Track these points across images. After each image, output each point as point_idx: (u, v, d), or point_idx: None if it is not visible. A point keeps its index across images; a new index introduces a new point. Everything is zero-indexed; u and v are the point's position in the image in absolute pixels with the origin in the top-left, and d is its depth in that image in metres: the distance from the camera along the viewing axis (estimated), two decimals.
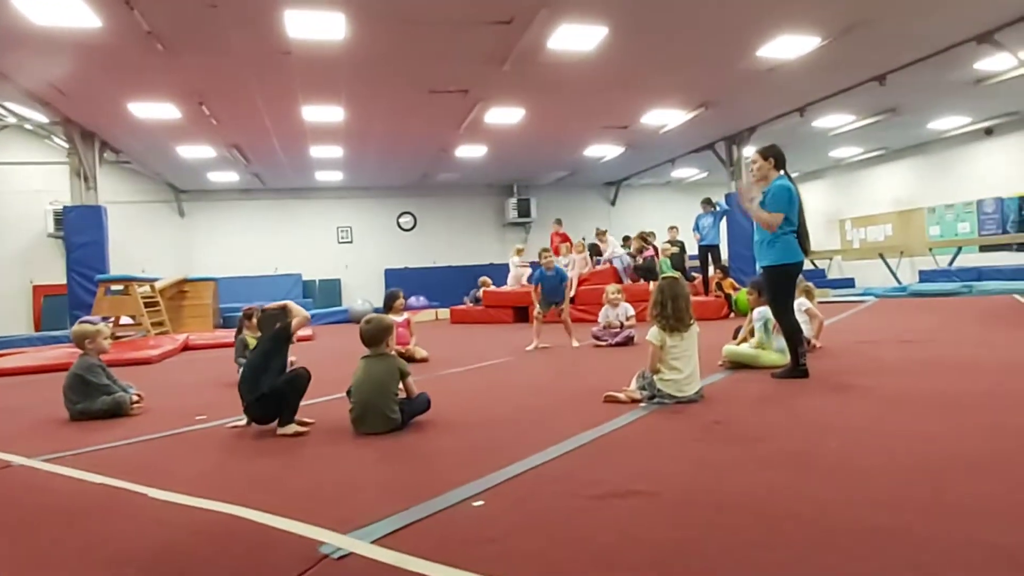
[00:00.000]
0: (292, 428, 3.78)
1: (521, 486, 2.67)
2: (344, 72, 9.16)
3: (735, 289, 11.20)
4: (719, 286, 11.70)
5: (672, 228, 13.13)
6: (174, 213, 17.75)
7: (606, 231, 13.95)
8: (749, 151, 13.28)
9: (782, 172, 4.99)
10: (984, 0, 7.90)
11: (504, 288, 13.43)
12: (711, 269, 12.46)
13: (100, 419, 4.45)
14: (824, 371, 5.03)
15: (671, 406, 4.05)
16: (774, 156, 4.99)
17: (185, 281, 14.12)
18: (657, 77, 10.32)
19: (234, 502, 2.55)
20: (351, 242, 19.18)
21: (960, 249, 15.61)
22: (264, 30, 7.60)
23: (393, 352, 3.98)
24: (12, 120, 12.09)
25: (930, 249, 16.32)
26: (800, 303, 5.76)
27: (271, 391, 3.77)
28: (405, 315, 7.43)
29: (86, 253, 11.36)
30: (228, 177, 16.24)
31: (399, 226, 19.63)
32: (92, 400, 4.51)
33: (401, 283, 15.29)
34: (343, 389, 4.00)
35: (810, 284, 6.80)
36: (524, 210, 19.55)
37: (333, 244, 19.05)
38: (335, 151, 14.10)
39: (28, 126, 13.12)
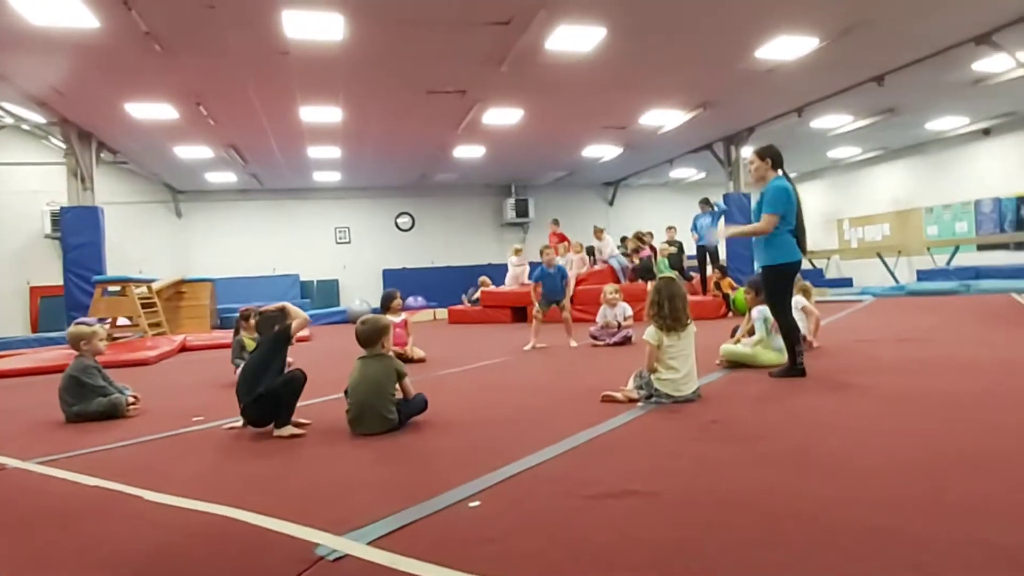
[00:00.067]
0: (288, 430, 3.76)
1: (518, 486, 2.66)
2: (342, 72, 9.15)
3: (733, 288, 11.21)
4: (717, 285, 11.71)
5: (670, 228, 13.14)
6: (171, 214, 17.73)
7: (603, 229, 13.97)
8: (747, 151, 13.28)
9: (780, 172, 4.99)
10: (982, 1, 7.90)
11: (502, 288, 13.43)
12: (709, 269, 12.47)
13: (96, 421, 4.43)
14: (822, 370, 5.03)
15: (668, 405, 4.04)
16: (771, 156, 4.99)
17: (182, 282, 14.10)
18: (656, 78, 10.32)
19: (230, 504, 2.54)
20: (349, 242, 19.17)
21: (958, 248, 15.63)
22: (262, 30, 7.59)
23: (390, 353, 3.97)
24: (9, 120, 12.06)
25: (928, 248, 16.34)
26: (796, 301, 5.76)
27: (267, 392, 3.76)
28: (403, 316, 7.40)
29: (83, 254, 11.33)
30: (226, 177, 16.22)
31: (397, 226, 19.62)
32: (88, 402, 4.49)
33: (399, 283, 15.33)
34: (340, 389, 3.99)
35: (807, 283, 6.80)
36: (522, 210, 19.55)
37: (331, 244, 19.04)
38: (333, 151, 14.09)
39: (25, 126, 13.09)
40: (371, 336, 3.87)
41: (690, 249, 13.09)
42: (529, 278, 8.75)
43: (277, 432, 3.76)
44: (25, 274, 15.28)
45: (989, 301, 10.60)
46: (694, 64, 9.67)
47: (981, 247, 15.35)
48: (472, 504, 2.45)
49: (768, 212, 4.81)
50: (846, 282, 18.21)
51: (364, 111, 11.23)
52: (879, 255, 17.07)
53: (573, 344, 7.69)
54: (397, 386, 3.82)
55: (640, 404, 4.11)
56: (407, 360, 6.64)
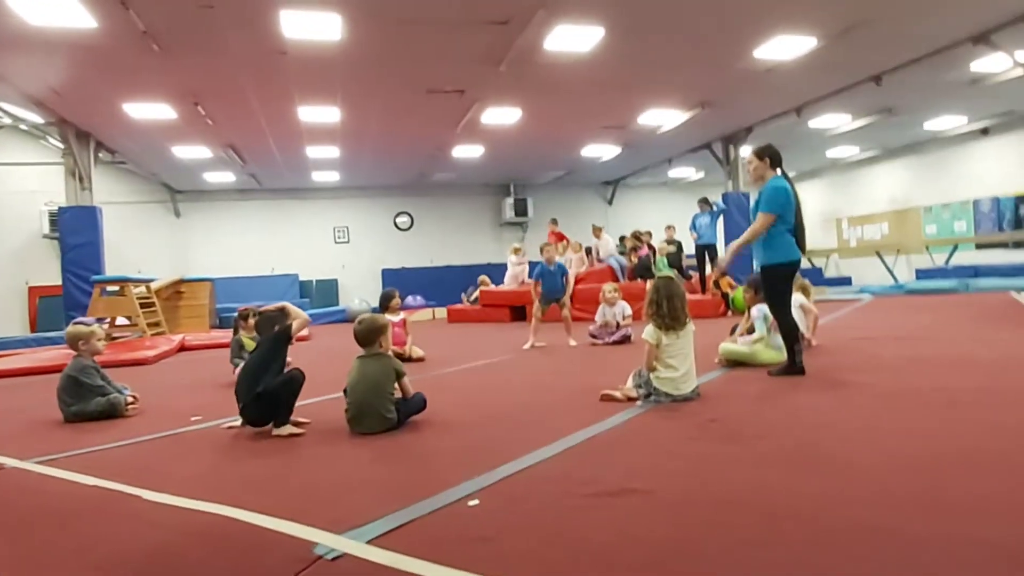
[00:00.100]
0: (287, 429, 3.76)
1: (517, 485, 2.66)
2: (340, 72, 9.15)
3: (732, 287, 11.20)
4: (716, 285, 11.70)
5: (669, 227, 13.14)
6: (170, 213, 17.72)
7: (602, 228, 13.95)
8: (746, 151, 13.29)
9: (778, 171, 5.00)
10: (980, 1, 7.90)
11: (502, 287, 13.42)
12: (708, 268, 12.47)
13: (95, 420, 4.42)
14: (821, 368, 5.03)
15: (667, 404, 4.04)
16: (770, 156, 4.99)
17: (181, 282, 14.08)
18: (654, 77, 10.31)
19: (228, 503, 2.54)
20: (348, 242, 19.16)
21: (956, 247, 15.64)
22: (260, 30, 7.58)
23: (388, 352, 3.96)
24: (7, 120, 12.06)
25: (927, 247, 16.36)
26: (795, 299, 5.76)
27: (266, 392, 3.76)
28: (401, 315, 7.39)
29: (81, 254, 11.33)
30: (224, 177, 16.21)
31: (396, 226, 19.61)
32: (86, 402, 4.48)
33: (398, 283, 15.32)
34: (339, 389, 3.99)
35: (806, 281, 6.80)
36: (521, 209, 19.54)
37: (330, 244, 19.03)
38: (331, 151, 14.08)
39: (23, 126, 13.09)
40: (368, 335, 3.87)
41: (689, 248, 13.09)
42: (529, 277, 8.73)
43: (276, 431, 3.76)
44: (24, 274, 15.27)
45: (987, 300, 10.61)
46: (693, 64, 9.67)
47: (979, 246, 15.36)
48: (471, 503, 2.45)
49: (764, 211, 4.82)
50: (845, 281, 18.23)
51: (362, 111, 11.23)
52: (878, 254, 17.09)
53: (572, 343, 7.69)
54: (396, 385, 3.82)
55: (639, 403, 4.11)
56: (406, 359, 6.64)
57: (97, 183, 11.88)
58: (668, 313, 4.17)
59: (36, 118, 11.34)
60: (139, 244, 16.53)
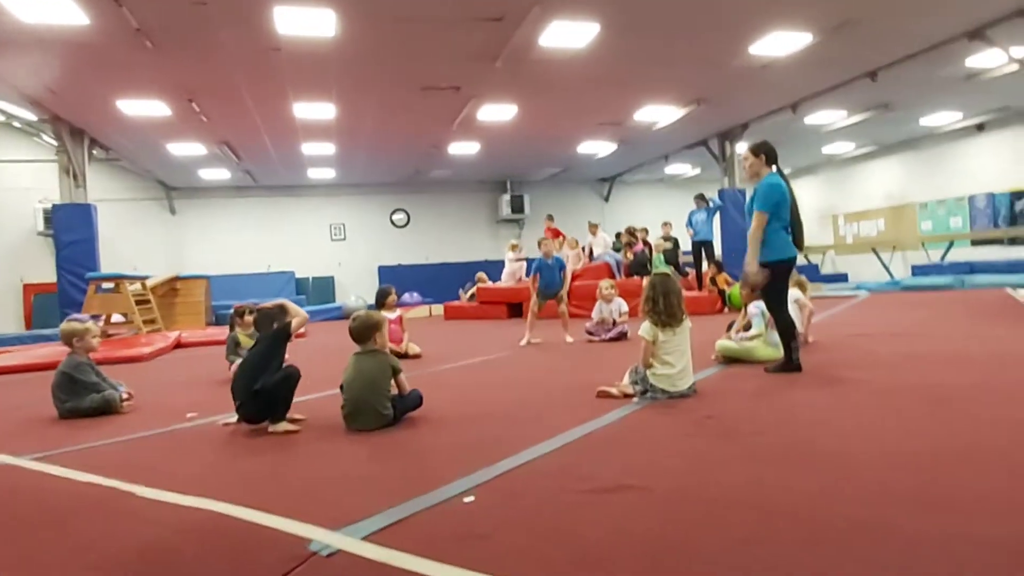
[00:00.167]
0: (284, 426, 3.75)
1: (513, 482, 2.65)
2: (335, 69, 9.12)
3: (728, 284, 11.21)
4: (713, 281, 11.71)
5: (666, 224, 13.14)
6: (165, 211, 17.67)
7: (598, 225, 13.93)
8: (742, 147, 13.29)
9: (774, 168, 4.99)
10: None
11: (498, 284, 13.42)
12: (705, 264, 12.47)
13: (89, 417, 4.41)
14: (817, 365, 5.04)
15: (664, 401, 4.04)
16: (765, 152, 4.98)
17: (177, 279, 14.04)
18: (650, 74, 10.30)
19: (224, 500, 2.53)
20: (344, 239, 19.14)
21: (952, 243, 15.68)
22: (254, 27, 7.55)
23: (385, 348, 3.96)
24: (0, 118, 11.99)
25: (922, 244, 16.39)
26: (791, 294, 5.76)
27: (263, 389, 3.75)
28: (397, 312, 7.38)
29: (76, 251, 11.29)
30: (219, 174, 16.16)
31: (392, 223, 19.59)
32: (81, 398, 4.47)
33: (395, 280, 15.27)
34: (335, 385, 3.98)
35: (803, 277, 6.81)
36: (518, 206, 19.53)
37: (326, 241, 19.01)
38: (327, 148, 14.05)
39: (17, 124, 13.03)
40: (363, 332, 3.87)
41: (685, 245, 13.09)
42: (527, 273, 8.74)
43: (272, 428, 3.75)
44: (18, 271, 15.21)
45: (983, 296, 10.64)
46: (688, 60, 9.66)
47: (975, 242, 15.40)
48: (467, 499, 2.44)
49: (757, 209, 4.82)
50: (841, 277, 18.26)
51: (358, 107, 11.20)
52: (874, 250, 17.12)
53: (569, 339, 7.69)
54: (392, 382, 3.82)
55: (635, 400, 4.11)
56: (402, 356, 6.63)
57: (91, 180, 11.84)
58: (664, 310, 4.17)
59: (30, 115, 11.29)
60: (134, 241, 16.48)
